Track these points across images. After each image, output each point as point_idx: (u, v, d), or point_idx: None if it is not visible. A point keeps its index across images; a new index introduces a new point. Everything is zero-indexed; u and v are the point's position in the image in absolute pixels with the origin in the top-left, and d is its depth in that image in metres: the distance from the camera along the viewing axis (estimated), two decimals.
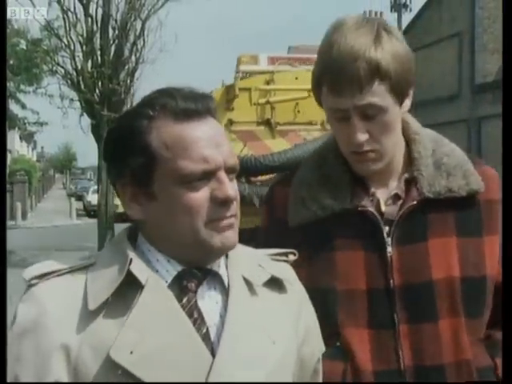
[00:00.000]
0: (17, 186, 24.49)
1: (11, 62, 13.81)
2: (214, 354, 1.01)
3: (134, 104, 1.10)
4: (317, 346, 1.21)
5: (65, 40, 12.11)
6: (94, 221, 17.50)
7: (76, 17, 11.95)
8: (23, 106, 18.29)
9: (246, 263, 1.12)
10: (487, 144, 16.49)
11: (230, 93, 5.77)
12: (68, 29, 12.00)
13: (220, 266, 1.09)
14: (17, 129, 24.46)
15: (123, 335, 0.97)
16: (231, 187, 1.03)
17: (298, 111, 5.64)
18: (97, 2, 11.98)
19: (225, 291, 1.08)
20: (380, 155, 1.34)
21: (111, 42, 12.06)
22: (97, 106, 11.62)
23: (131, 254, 1.03)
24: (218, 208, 1.02)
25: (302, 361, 1.17)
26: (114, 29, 12.09)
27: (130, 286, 1.01)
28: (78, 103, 12.51)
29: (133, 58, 12.25)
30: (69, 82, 12.26)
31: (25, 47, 14.07)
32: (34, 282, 1.02)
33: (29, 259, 11.41)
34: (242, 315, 1.06)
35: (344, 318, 1.34)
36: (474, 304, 1.35)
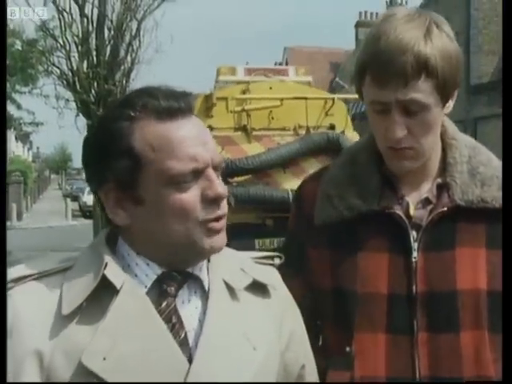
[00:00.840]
0: (12, 186, 24.40)
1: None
2: (191, 360, 0.99)
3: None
4: (302, 352, 1.19)
5: (60, 40, 12.11)
6: (89, 221, 17.45)
7: (71, 17, 11.95)
8: (19, 107, 18.29)
9: (228, 267, 1.10)
10: (483, 145, 16.46)
11: (208, 101, 6.12)
12: (63, 29, 11.99)
13: (201, 270, 1.08)
14: (12, 129, 24.43)
15: (96, 341, 0.95)
16: (221, 184, 1.02)
17: (272, 118, 5.99)
18: (92, 3, 11.99)
19: (205, 295, 1.06)
20: (417, 154, 1.29)
21: (107, 42, 12.06)
22: (92, 106, 11.61)
23: (107, 258, 1.01)
24: (209, 207, 1.01)
25: (286, 365, 1.15)
26: (109, 29, 12.09)
27: (105, 291, 0.98)
28: (73, 103, 12.51)
29: (128, 58, 12.27)
30: (64, 82, 12.25)
31: (20, 48, 14.05)
32: (10, 285, 1.00)
33: (24, 260, 11.28)
34: (220, 320, 1.04)
35: (361, 321, 1.30)
36: (499, 319, 1.28)
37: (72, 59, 12.05)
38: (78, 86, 11.89)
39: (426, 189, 1.35)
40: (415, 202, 1.34)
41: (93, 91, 11.88)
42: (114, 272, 1.00)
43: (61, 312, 0.97)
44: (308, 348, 1.21)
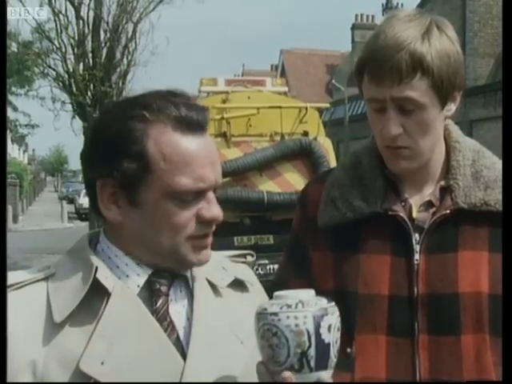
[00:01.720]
0: (8, 188, 24.35)
1: None
2: (185, 358, 0.99)
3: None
4: None
5: (56, 42, 12.15)
6: (85, 224, 17.46)
7: (67, 19, 11.98)
8: (14, 109, 18.30)
9: (210, 266, 1.10)
10: None
11: None
12: (59, 31, 12.02)
13: (187, 269, 1.08)
14: (8, 131, 24.37)
15: (93, 346, 0.94)
16: (218, 208, 1.01)
17: (250, 125, 6.35)
18: (88, 5, 12.02)
19: (190, 293, 1.06)
20: (414, 154, 1.29)
21: (103, 44, 12.08)
22: (88, 108, 11.61)
23: (96, 262, 0.99)
24: (201, 226, 1.01)
25: None
26: (105, 31, 12.11)
27: (95, 295, 0.97)
28: (69, 106, 12.53)
29: (124, 60, 12.29)
30: (60, 84, 12.27)
31: (16, 50, 14.03)
32: None
33: (20, 262, 11.34)
34: (208, 317, 1.04)
35: (362, 323, 1.30)
36: (501, 323, 1.26)
37: (68, 61, 12.08)
38: (74, 88, 11.90)
39: (429, 191, 1.35)
40: (418, 204, 1.34)
41: (89, 93, 11.89)
42: (104, 275, 0.99)
43: (51, 320, 0.95)
44: None
